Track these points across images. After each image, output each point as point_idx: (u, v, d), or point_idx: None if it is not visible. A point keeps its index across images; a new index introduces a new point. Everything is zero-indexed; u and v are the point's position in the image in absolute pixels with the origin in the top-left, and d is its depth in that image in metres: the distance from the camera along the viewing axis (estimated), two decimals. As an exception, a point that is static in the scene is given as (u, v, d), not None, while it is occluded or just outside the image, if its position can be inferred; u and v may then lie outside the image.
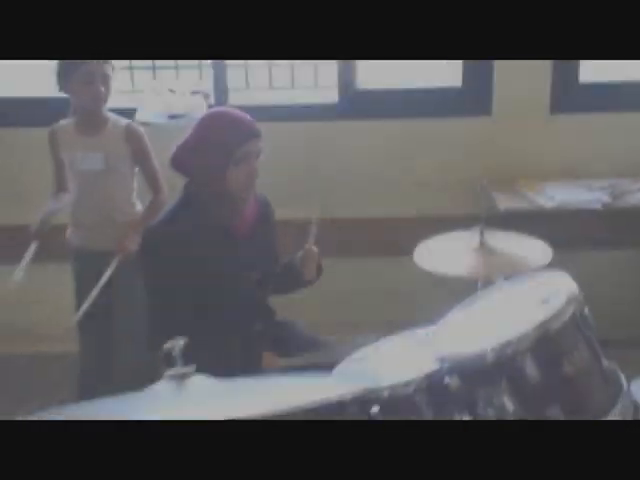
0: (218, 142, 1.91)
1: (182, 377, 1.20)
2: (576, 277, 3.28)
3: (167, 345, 1.23)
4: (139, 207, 2.59)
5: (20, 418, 1.16)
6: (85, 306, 2.36)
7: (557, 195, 2.99)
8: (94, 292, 2.38)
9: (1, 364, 3.27)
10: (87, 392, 2.60)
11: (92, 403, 1.26)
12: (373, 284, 3.36)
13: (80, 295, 2.53)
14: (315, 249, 2.16)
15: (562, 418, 1.42)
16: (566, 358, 1.43)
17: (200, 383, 1.21)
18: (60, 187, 2.59)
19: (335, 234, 3.25)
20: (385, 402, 1.69)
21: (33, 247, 2.52)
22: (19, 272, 2.49)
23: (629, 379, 2.09)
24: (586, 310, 1.51)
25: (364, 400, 1.71)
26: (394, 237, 3.30)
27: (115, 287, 2.46)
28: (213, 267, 1.95)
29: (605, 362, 1.50)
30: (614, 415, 1.47)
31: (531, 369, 1.41)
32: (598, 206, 2.93)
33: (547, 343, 1.42)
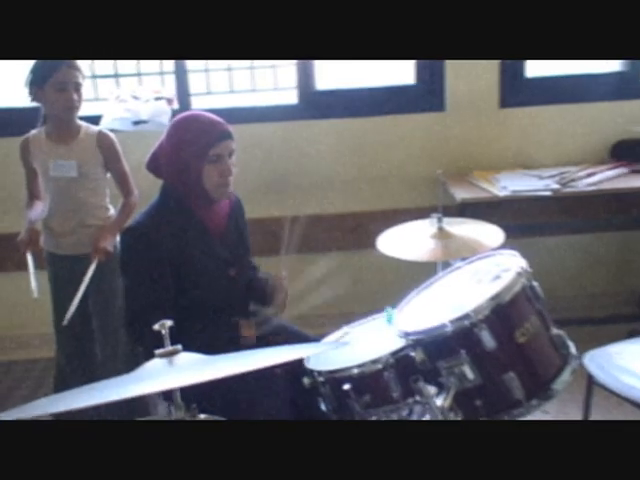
0: (193, 144, 2.01)
1: (171, 354, 1.30)
2: (531, 260, 3.49)
3: (156, 326, 1.34)
4: (112, 211, 2.66)
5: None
6: (72, 309, 2.40)
7: (509, 184, 3.14)
8: (78, 295, 2.43)
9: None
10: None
11: (90, 386, 1.34)
12: (340, 277, 3.48)
13: (58, 299, 2.60)
14: (285, 282, 2.22)
15: (517, 383, 1.55)
16: (518, 327, 1.56)
17: (187, 358, 1.32)
18: (32, 195, 2.64)
19: (298, 230, 3.38)
20: (356, 379, 1.83)
21: (30, 258, 2.55)
22: (32, 284, 2.50)
23: (582, 352, 2.27)
24: (535, 283, 1.64)
25: (336, 378, 1.86)
26: (357, 231, 3.44)
27: (91, 288, 2.53)
28: (191, 264, 2.04)
29: (554, 330, 1.63)
30: (565, 377, 1.60)
31: (487, 339, 1.54)
32: (548, 193, 3.10)
33: (500, 314, 1.55)
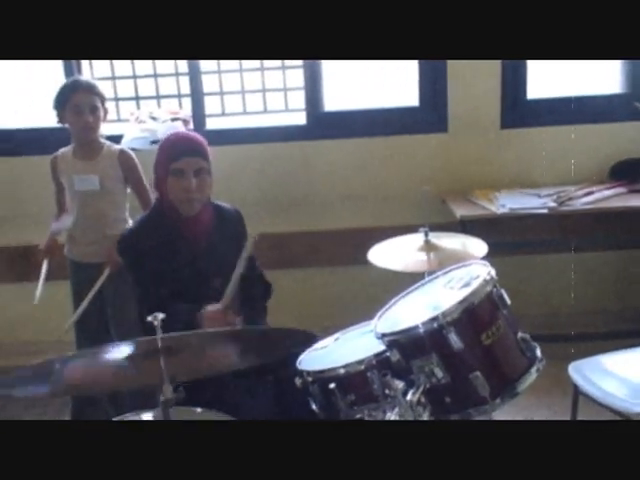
0: (161, 158, 2.21)
1: None
2: (528, 276, 3.58)
3: (149, 318, 1.51)
4: (130, 223, 2.85)
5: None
6: (79, 311, 2.60)
7: (508, 203, 3.26)
8: (86, 300, 2.63)
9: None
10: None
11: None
12: (341, 291, 3.62)
13: (79, 304, 2.78)
14: (217, 318, 2.10)
15: (482, 381, 1.67)
16: (484, 330, 1.69)
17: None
18: (61, 209, 2.86)
19: (305, 246, 3.54)
20: (341, 379, 1.97)
21: (45, 265, 2.75)
22: (38, 290, 2.71)
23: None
24: (502, 291, 1.77)
25: (324, 378, 2.00)
26: (360, 247, 3.57)
27: (108, 294, 2.72)
28: (174, 271, 2.19)
29: (520, 334, 1.75)
30: (529, 378, 1.72)
31: (454, 340, 1.67)
32: (544, 211, 3.21)
33: (468, 317, 1.68)
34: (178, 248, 2.21)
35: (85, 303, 2.65)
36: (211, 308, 2.12)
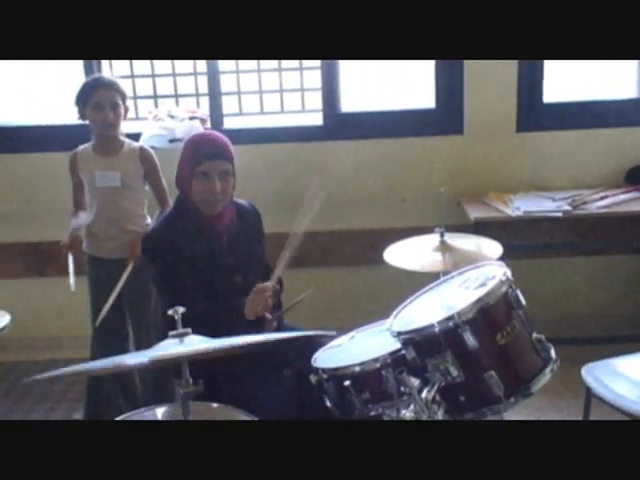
0: (186, 160, 2.24)
1: (182, 335, 1.51)
2: (542, 279, 3.58)
3: (170, 312, 1.54)
4: (149, 220, 2.89)
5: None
6: (105, 310, 2.64)
7: (522, 205, 3.27)
8: (112, 296, 2.67)
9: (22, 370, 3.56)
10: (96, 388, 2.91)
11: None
12: (357, 291, 3.64)
13: (97, 299, 2.82)
14: (268, 291, 2.18)
15: (497, 381, 1.69)
16: (499, 330, 1.71)
17: (195, 338, 1.51)
18: (78, 205, 2.89)
19: (321, 245, 3.56)
20: (356, 376, 2.00)
21: (71, 259, 2.78)
22: (70, 279, 2.74)
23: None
24: (518, 291, 1.79)
25: (339, 375, 2.02)
26: (376, 247, 3.59)
27: (126, 289, 2.75)
28: (198, 268, 2.23)
29: (535, 335, 1.77)
30: (543, 378, 1.74)
31: (470, 339, 1.69)
32: (559, 214, 3.22)
33: (483, 317, 1.70)
34: (201, 246, 2.24)
35: (112, 297, 2.68)
36: (262, 285, 2.16)
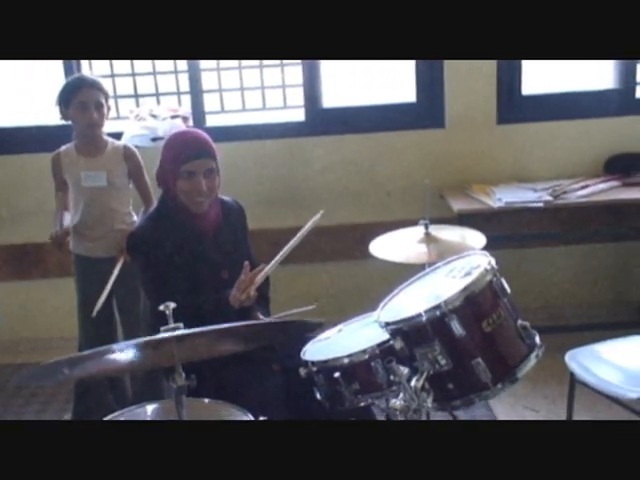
0: (170, 160, 2.23)
1: (173, 330, 1.53)
2: (524, 269, 3.62)
3: (161, 307, 1.56)
4: (134, 217, 2.90)
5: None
6: (101, 301, 2.64)
7: (504, 197, 3.32)
8: (107, 289, 2.67)
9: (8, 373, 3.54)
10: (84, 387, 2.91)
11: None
12: (344, 284, 3.66)
13: (85, 297, 2.83)
14: (255, 280, 2.17)
15: (484, 368, 1.72)
16: (485, 318, 1.73)
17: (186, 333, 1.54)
18: (61, 206, 2.87)
19: (305, 241, 3.57)
20: (346, 368, 2.02)
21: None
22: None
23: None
24: (502, 280, 1.81)
25: (328, 367, 2.05)
26: (362, 241, 3.61)
27: (117, 287, 2.76)
28: (185, 265, 2.24)
29: (520, 322, 1.80)
30: (529, 364, 1.77)
31: (456, 327, 1.71)
32: (540, 204, 3.26)
33: (469, 305, 1.72)
34: (188, 242, 2.25)
35: (106, 290, 2.67)
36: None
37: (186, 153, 2.20)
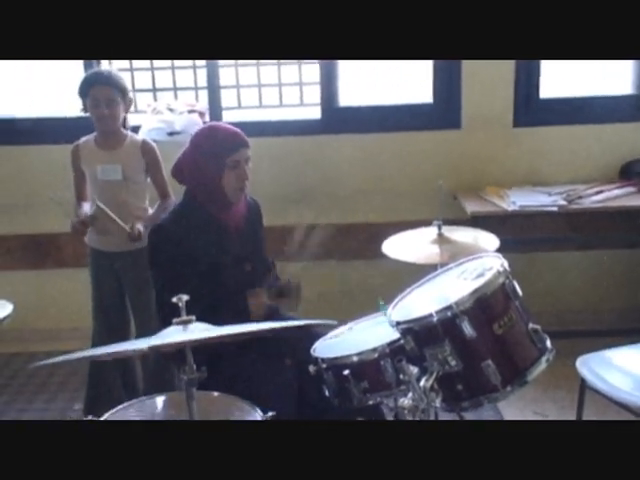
0: (213, 152, 2.25)
1: (186, 322, 1.54)
2: (537, 272, 3.61)
3: (174, 299, 1.57)
4: (150, 212, 2.90)
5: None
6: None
7: (518, 200, 3.31)
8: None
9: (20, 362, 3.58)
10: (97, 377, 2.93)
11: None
12: (356, 283, 3.67)
13: (99, 290, 2.86)
14: (264, 296, 2.31)
15: (494, 370, 1.72)
16: (496, 320, 1.74)
17: (199, 326, 1.55)
18: (81, 197, 2.89)
19: (317, 239, 3.58)
20: (355, 366, 2.03)
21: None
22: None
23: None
24: (514, 282, 1.81)
25: (338, 365, 2.06)
26: (374, 240, 3.62)
27: (127, 281, 2.79)
28: (210, 258, 2.26)
29: (531, 325, 1.80)
30: (539, 367, 1.77)
31: (467, 328, 1.71)
32: (554, 209, 3.25)
33: (481, 307, 1.73)
34: (213, 236, 2.28)
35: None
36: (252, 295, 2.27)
37: (232, 144, 2.25)
